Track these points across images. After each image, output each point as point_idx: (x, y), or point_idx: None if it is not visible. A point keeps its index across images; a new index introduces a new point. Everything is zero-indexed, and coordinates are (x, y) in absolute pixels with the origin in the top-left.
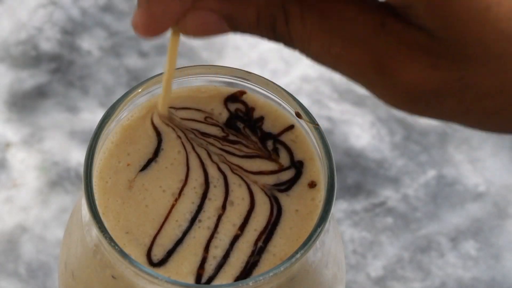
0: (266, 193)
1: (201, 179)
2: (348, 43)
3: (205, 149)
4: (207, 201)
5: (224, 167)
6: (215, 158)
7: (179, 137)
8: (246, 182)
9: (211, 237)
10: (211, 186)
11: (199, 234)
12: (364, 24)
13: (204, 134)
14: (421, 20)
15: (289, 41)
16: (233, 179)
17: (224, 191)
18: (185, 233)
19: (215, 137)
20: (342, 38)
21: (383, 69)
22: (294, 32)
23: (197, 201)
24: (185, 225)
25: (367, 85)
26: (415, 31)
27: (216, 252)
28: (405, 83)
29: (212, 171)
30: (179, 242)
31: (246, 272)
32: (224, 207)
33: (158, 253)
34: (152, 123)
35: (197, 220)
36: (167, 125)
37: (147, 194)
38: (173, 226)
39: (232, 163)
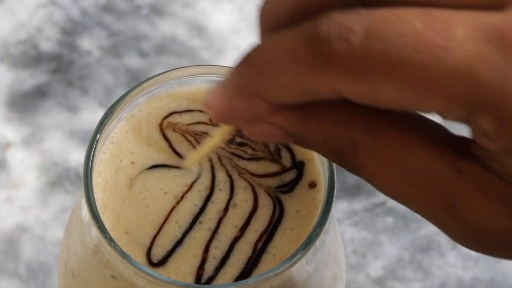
0: (270, 195)
1: (207, 182)
2: (422, 187)
3: (216, 153)
4: (210, 203)
5: (231, 170)
6: (224, 161)
7: (189, 141)
8: (251, 185)
9: (211, 238)
10: (216, 189)
11: (199, 235)
12: (439, 170)
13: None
14: (505, 169)
15: (355, 171)
16: (239, 183)
17: (229, 193)
18: (185, 234)
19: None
20: (416, 182)
21: (458, 214)
22: (363, 166)
23: (199, 203)
24: (185, 226)
25: (439, 225)
26: (495, 179)
27: (216, 252)
28: (481, 230)
29: (220, 175)
30: (178, 242)
31: (246, 273)
32: (226, 209)
33: (158, 253)
34: (160, 128)
35: (197, 222)
36: (174, 130)
37: (147, 194)
38: (173, 227)
39: (239, 167)
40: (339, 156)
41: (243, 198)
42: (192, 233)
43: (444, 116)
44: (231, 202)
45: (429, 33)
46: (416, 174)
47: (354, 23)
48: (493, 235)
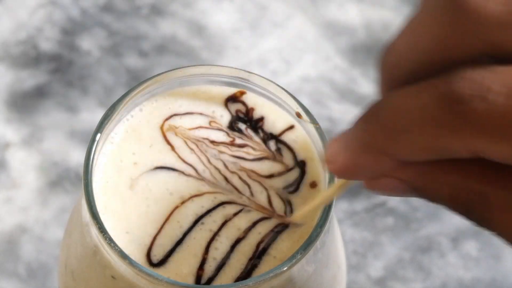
0: (281, 198)
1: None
2: None
3: (220, 160)
4: (220, 207)
5: (243, 175)
6: (231, 166)
7: (192, 149)
8: (266, 189)
9: (212, 239)
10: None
11: (200, 235)
12: None
13: (213, 142)
14: None
15: (486, 225)
16: (255, 187)
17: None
18: (185, 234)
19: (223, 143)
20: None
21: None
22: (498, 220)
23: (208, 205)
24: (186, 226)
25: None
26: None
27: (216, 253)
28: None
29: (238, 183)
30: (179, 242)
31: (246, 273)
32: (236, 214)
33: (158, 254)
34: (162, 130)
35: (199, 223)
36: (176, 134)
37: (150, 195)
38: (174, 226)
39: (247, 169)
40: (468, 209)
41: (259, 203)
42: (193, 233)
43: None
44: (245, 208)
45: None
46: None
47: (492, 82)
48: None
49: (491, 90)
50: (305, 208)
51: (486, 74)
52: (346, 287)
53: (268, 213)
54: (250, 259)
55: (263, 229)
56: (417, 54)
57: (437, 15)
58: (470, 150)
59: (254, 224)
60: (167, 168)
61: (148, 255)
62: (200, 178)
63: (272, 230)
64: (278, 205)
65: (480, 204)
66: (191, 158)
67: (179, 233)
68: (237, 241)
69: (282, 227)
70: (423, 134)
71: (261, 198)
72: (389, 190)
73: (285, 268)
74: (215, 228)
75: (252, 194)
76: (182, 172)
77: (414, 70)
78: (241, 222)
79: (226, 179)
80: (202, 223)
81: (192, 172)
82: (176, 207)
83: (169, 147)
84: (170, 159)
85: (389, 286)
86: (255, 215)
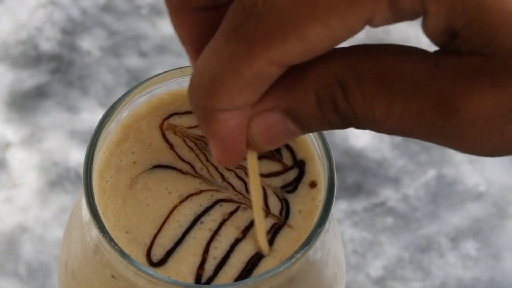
0: (278, 196)
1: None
2: (408, 96)
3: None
4: (217, 206)
5: (240, 173)
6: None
7: (191, 148)
8: (262, 187)
9: (212, 238)
10: (233, 195)
11: (199, 235)
12: (418, 71)
13: None
14: (469, 44)
15: (354, 117)
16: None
17: (243, 198)
18: (185, 234)
19: None
20: (401, 93)
21: (447, 109)
22: (355, 103)
23: (206, 204)
24: (185, 225)
25: (437, 137)
26: (469, 59)
27: (216, 253)
28: (472, 116)
29: (234, 181)
30: (178, 242)
31: (246, 272)
32: (232, 213)
33: (158, 253)
34: (161, 129)
35: (199, 222)
36: (175, 133)
37: (149, 194)
38: (174, 226)
39: (245, 167)
40: (335, 108)
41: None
42: (192, 233)
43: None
44: (242, 206)
45: None
46: (398, 83)
47: None
48: (488, 116)
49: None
50: (255, 231)
51: None
52: (346, 286)
53: (264, 212)
54: (250, 258)
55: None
56: None
57: None
58: (272, 62)
59: (252, 223)
60: (165, 167)
61: (148, 254)
62: (197, 175)
63: (270, 229)
64: (274, 203)
65: (340, 95)
66: (189, 156)
67: (179, 232)
68: (237, 241)
69: (278, 227)
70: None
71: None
72: (269, 132)
73: (284, 268)
74: (214, 227)
75: (248, 191)
76: (180, 170)
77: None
78: (239, 221)
79: (222, 176)
80: (202, 222)
81: (189, 169)
82: (175, 207)
83: (167, 145)
84: (168, 157)
85: (389, 286)
86: (252, 214)
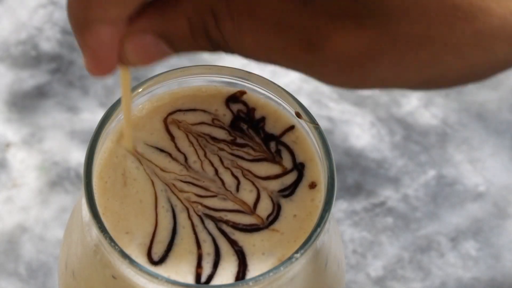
0: (272, 201)
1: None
2: (276, 29)
3: (217, 155)
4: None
5: (237, 172)
6: (227, 163)
7: (191, 143)
8: (257, 188)
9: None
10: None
11: (186, 223)
12: (287, 7)
13: (214, 139)
14: None
15: (225, 45)
16: (245, 185)
17: (234, 197)
18: (175, 221)
19: (224, 141)
20: (269, 26)
21: (312, 46)
22: (226, 32)
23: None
24: (170, 209)
25: (302, 69)
26: (336, 0)
27: (207, 247)
28: (335, 53)
29: (227, 178)
30: (174, 232)
31: (243, 268)
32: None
33: (158, 251)
34: (165, 123)
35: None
36: (179, 128)
37: (139, 188)
38: (164, 214)
39: (243, 168)
40: (207, 34)
41: (245, 200)
42: (180, 221)
43: None
44: (220, 196)
45: None
46: (268, 16)
47: None
48: (348, 55)
49: None
50: (123, 132)
51: None
52: (346, 286)
53: (246, 209)
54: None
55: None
56: None
57: None
58: None
59: (227, 210)
60: (155, 148)
61: (149, 254)
62: (185, 165)
63: (244, 224)
64: (265, 206)
65: (211, 22)
66: (187, 149)
67: (169, 218)
68: (222, 231)
69: (256, 228)
70: None
71: (247, 196)
72: (143, 52)
73: (285, 268)
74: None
75: (237, 190)
76: (169, 155)
77: None
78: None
79: (216, 171)
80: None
81: (180, 159)
82: (157, 197)
83: (169, 136)
84: (165, 144)
85: (389, 286)
86: (230, 205)
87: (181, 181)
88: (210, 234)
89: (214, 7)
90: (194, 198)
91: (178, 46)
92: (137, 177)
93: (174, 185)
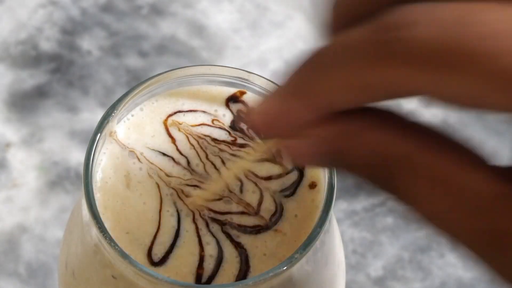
0: (275, 201)
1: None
2: (463, 210)
3: (219, 156)
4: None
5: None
6: (229, 164)
7: (192, 145)
8: (259, 189)
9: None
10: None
11: (190, 227)
12: (483, 193)
13: (215, 140)
14: None
15: (398, 195)
16: (247, 186)
17: (237, 198)
18: (179, 225)
19: (225, 142)
20: (462, 205)
21: (499, 242)
22: (409, 190)
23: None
24: (176, 214)
25: (480, 254)
26: None
27: (210, 249)
28: None
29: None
30: (177, 235)
31: (245, 269)
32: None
33: (158, 252)
34: (165, 125)
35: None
36: (179, 130)
37: (143, 190)
38: (168, 219)
39: (245, 169)
40: (383, 178)
41: (249, 201)
42: (184, 225)
43: None
44: (225, 198)
45: (502, 22)
46: (458, 194)
47: (425, 12)
48: None
49: (418, 20)
50: (224, 175)
51: (417, 7)
52: (346, 286)
53: (250, 211)
54: (242, 252)
55: (240, 221)
56: None
57: None
58: (394, 82)
59: (232, 213)
60: (158, 152)
61: (149, 254)
62: (188, 169)
63: (249, 227)
64: (268, 207)
65: (396, 170)
66: (189, 152)
67: (174, 223)
68: (227, 234)
69: (260, 229)
70: (348, 66)
71: (251, 197)
72: (305, 155)
73: (284, 268)
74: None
75: (241, 191)
76: (172, 158)
77: (357, 10)
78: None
79: (219, 173)
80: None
81: (183, 162)
82: (162, 201)
83: (170, 139)
84: (166, 147)
85: (389, 285)
86: (234, 207)
87: (187, 185)
88: (214, 236)
89: (404, 158)
90: (200, 202)
91: (339, 165)
92: (141, 179)
93: (182, 190)
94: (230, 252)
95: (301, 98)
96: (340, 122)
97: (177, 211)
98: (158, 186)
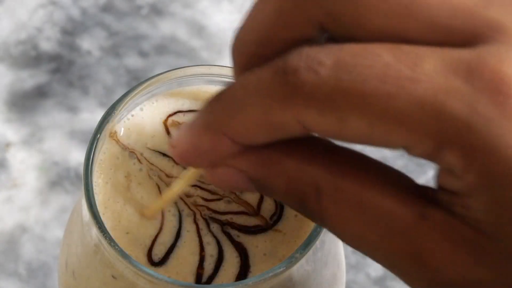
0: (275, 200)
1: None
2: (385, 234)
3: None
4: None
5: None
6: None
7: None
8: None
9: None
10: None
11: (191, 227)
12: (403, 216)
13: None
14: (470, 213)
15: (317, 219)
16: None
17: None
18: (181, 225)
19: None
20: (379, 228)
21: (422, 262)
22: (326, 213)
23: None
24: (177, 214)
25: (402, 275)
26: (460, 224)
27: (210, 249)
28: (446, 279)
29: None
30: (178, 235)
31: (244, 269)
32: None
33: (159, 252)
34: (165, 125)
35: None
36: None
37: (141, 189)
38: (169, 219)
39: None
40: (302, 203)
41: (249, 201)
42: (185, 225)
43: (410, 151)
44: (225, 198)
45: (398, 66)
46: (380, 220)
47: (323, 56)
48: (455, 282)
49: (320, 63)
50: (157, 204)
51: (320, 49)
52: (346, 286)
53: (251, 210)
54: (242, 251)
55: (240, 221)
56: (259, 32)
57: None
58: (299, 122)
59: (232, 213)
60: (158, 152)
61: (149, 254)
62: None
63: (249, 227)
64: (268, 207)
65: (313, 197)
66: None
67: (175, 222)
68: (227, 234)
69: (260, 229)
70: (256, 106)
71: (251, 197)
72: (229, 183)
73: (284, 268)
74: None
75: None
76: (172, 159)
77: (260, 52)
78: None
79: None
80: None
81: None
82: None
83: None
84: (165, 147)
85: (389, 285)
86: (235, 207)
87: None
88: (214, 236)
89: (320, 183)
90: (201, 202)
91: (265, 192)
92: (141, 181)
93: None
94: (230, 252)
95: (211, 135)
96: (257, 151)
97: (179, 211)
98: (159, 187)
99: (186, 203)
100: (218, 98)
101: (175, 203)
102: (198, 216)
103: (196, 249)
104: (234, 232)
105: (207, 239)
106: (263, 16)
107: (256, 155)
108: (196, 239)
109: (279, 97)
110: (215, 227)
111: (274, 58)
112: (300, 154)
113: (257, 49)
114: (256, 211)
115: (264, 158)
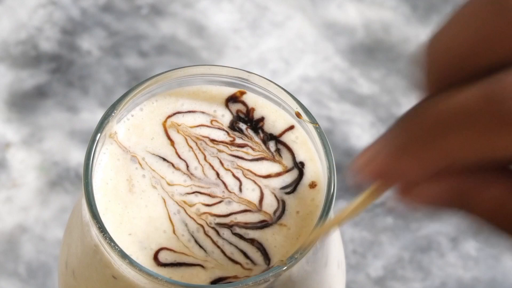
0: (276, 197)
1: (217, 189)
2: None
3: (217, 157)
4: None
5: (237, 173)
6: (227, 164)
7: (191, 147)
8: (259, 186)
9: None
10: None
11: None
12: None
13: (213, 141)
14: None
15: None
16: (247, 185)
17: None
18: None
19: (223, 142)
20: None
21: None
22: None
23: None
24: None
25: None
26: None
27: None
28: None
29: (229, 179)
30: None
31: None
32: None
33: (162, 258)
34: (164, 126)
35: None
36: (177, 131)
37: (145, 198)
38: (182, 232)
39: (243, 168)
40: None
41: (250, 199)
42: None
43: None
44: (226, 199)
45: None
46: None
47: None
48: None
49: None
50: (330, 223)
51: None
52: (346, 286)
53: (253, 208)
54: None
55: (244, 219)
56: (469, 45)
57: (481, 7)
58: (507, 151)
59: (235, 213)
60: (159, 157)
61: (156, 257)
62: (188, 173)
63: (255, 222)
64: (270, 203)
65: None
66: (187, 155)
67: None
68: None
69: (265, 224)
70: (467, 133)
71: (251, 195)
72: (427, 199)
73: (284, 268)
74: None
75: (241, 190)
76: (172, 164)
77: (464, 67)
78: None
79: (218, 174)
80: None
81: (182, 167)
82: (172, 221)
83: (169, 141)
84: (166, 151)
85: (389, 285)
86: (236, 206)
87: (188, 193)
88: (231, 243)
89: None
90: (203, 209)
91: (469, 210)
92: (145, 188)
93: (185, 201)
94: (249, 249)
95: (412, 156)
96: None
97: (188, 230)
98: (164, 202)
99: (191, 217)
100: (416, 119)
101: (182, 220)
102: (206, 228)
103: (224, 261)
104: (243, 231)
105: (227, 249)
106: (477, 26)
107: (464, 178)
108: (219, 251)
109: (491, 125)
110: (225, 233)
111: (474, 76)
112: (505, 181)
113: (461, 63)
114: (258, 208)
115: (475, 177)
